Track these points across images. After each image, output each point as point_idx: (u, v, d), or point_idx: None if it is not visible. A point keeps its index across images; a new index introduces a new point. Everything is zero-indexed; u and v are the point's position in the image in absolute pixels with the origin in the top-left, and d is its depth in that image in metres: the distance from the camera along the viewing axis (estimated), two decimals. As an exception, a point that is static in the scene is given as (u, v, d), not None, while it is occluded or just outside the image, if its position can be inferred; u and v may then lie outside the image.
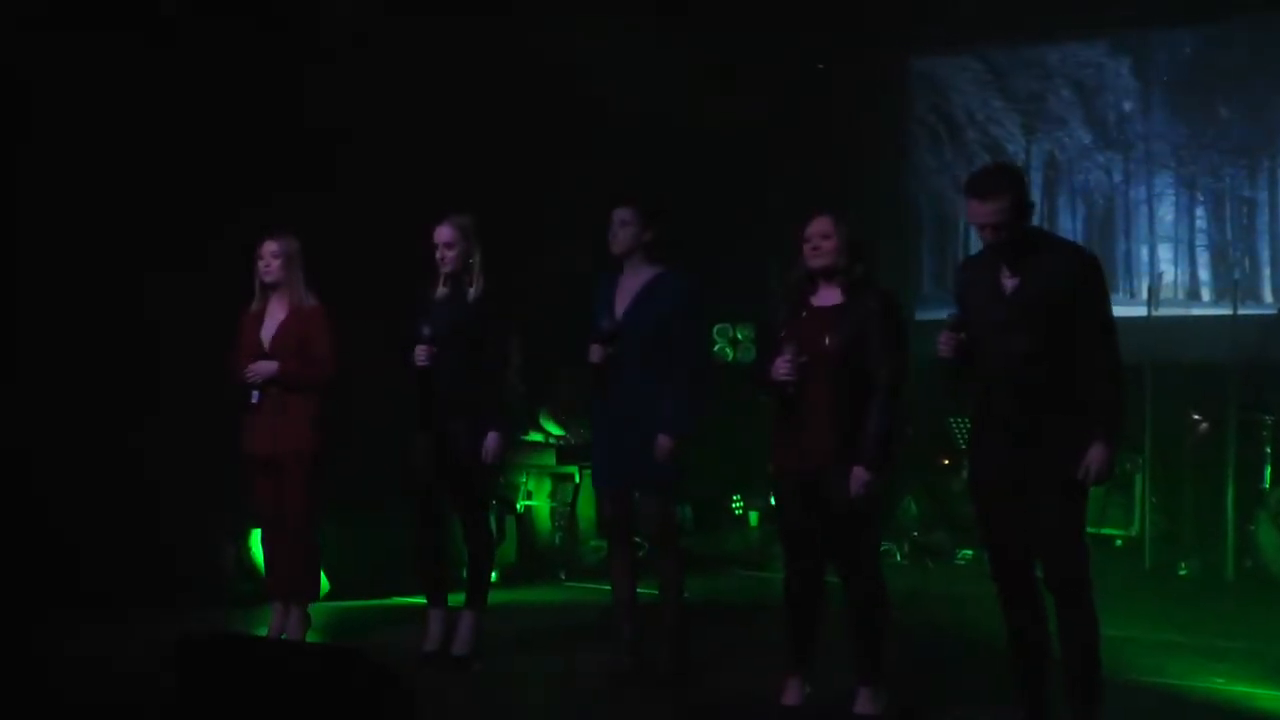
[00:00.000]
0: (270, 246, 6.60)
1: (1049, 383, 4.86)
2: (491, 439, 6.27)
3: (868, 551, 5.37)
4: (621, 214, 6.04)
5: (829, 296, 5.34)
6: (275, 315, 6.62)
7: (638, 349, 5.91)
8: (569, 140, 9.93)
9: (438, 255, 6.35)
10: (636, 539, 6.25)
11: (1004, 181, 4.91)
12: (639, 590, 6.17)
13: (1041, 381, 4.86)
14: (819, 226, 5.32)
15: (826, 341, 5.22)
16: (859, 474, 5.14)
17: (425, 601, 6.53)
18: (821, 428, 5.22)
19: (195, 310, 7.55)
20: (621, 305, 6.01)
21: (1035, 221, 5.07)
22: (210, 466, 7.25)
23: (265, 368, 6.52)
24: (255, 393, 6.55)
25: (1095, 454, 4.80)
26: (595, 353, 5.96)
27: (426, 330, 6.27)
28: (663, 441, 5.84)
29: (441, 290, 6.41)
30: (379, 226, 8.33)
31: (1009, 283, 4.94)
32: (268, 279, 6.61)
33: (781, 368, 5.23)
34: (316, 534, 6.71)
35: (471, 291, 6.33)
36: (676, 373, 5.89)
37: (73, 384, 7.43)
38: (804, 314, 5.35)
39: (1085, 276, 4.92)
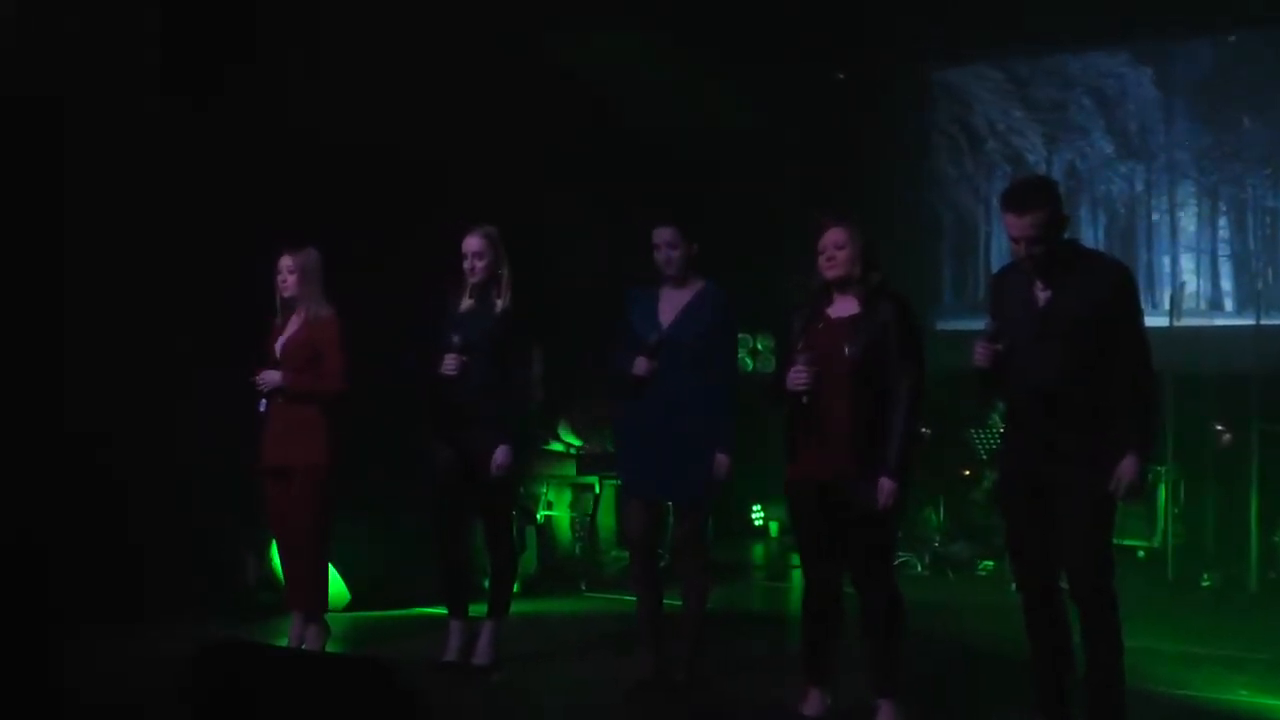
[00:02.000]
0: (286, 261, 6.61)
1: (1080, 395, 4.83)
2: (501, 452, 6.25)
3: (885, 560, 5.35)
4: (667, 236, 5.96)
5: (845, 306, 5.32)
6: (290, 327, 6.64)
7: (682, 359, 5.88)
8: (586, 150, 9.93)
9: (466, 265, 6.33)
10: (659, 550, 6.22)
11: (1041, 195, 4.89)
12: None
13: (1073, 393, 4.83)
14: (833, 237, 5.29)
15: (845, 351, 5.19)
16: (885, 485, 5.11)
17: (445, 612, 6.51)
18: (841, 438, 5.19)
19: (216, 320, 7.55)
20: (667, 318, 5.98)
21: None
22: (231, 477, 7.24)
23: (271, 377, 6.54)
24: (263, 401, 6.56)
25: (1127, 467, 4.77)
26: (641, 364, 5.92)
27: (457, 339, 6.26)
28: (723, 460, 5.84)
29: (467, 301, 6.39)
30: (394, 236, 8.32)
31: (1042, 295, 4.91)
32: (285, 293, 6.62)
33: (796, 377, 5.21)
34: (326, 546, 6.69)
35: (499, 303, 6.33)
36: (723, 388, 5.89)
37: (94, 392, 7.42)
38: (820, 324, 5.32)
39: (1119, 290, 4.89)
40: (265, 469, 6.58)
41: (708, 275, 6.06)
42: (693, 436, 5.84)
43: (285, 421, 6.52)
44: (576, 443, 9.47)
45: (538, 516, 9.22)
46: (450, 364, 6.26)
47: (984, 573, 9.55)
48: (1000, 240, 11.02)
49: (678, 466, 5.86)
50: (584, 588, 8.97)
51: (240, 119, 8.00)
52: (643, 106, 9.84)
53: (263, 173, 7.93)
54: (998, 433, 9.14)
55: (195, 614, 7.22)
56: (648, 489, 6.02)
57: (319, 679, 3.57)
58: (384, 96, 8.47)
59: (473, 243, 6.34)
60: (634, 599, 6.18)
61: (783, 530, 11.40)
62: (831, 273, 5.29)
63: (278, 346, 6.60)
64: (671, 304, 6.00)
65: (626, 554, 7.60)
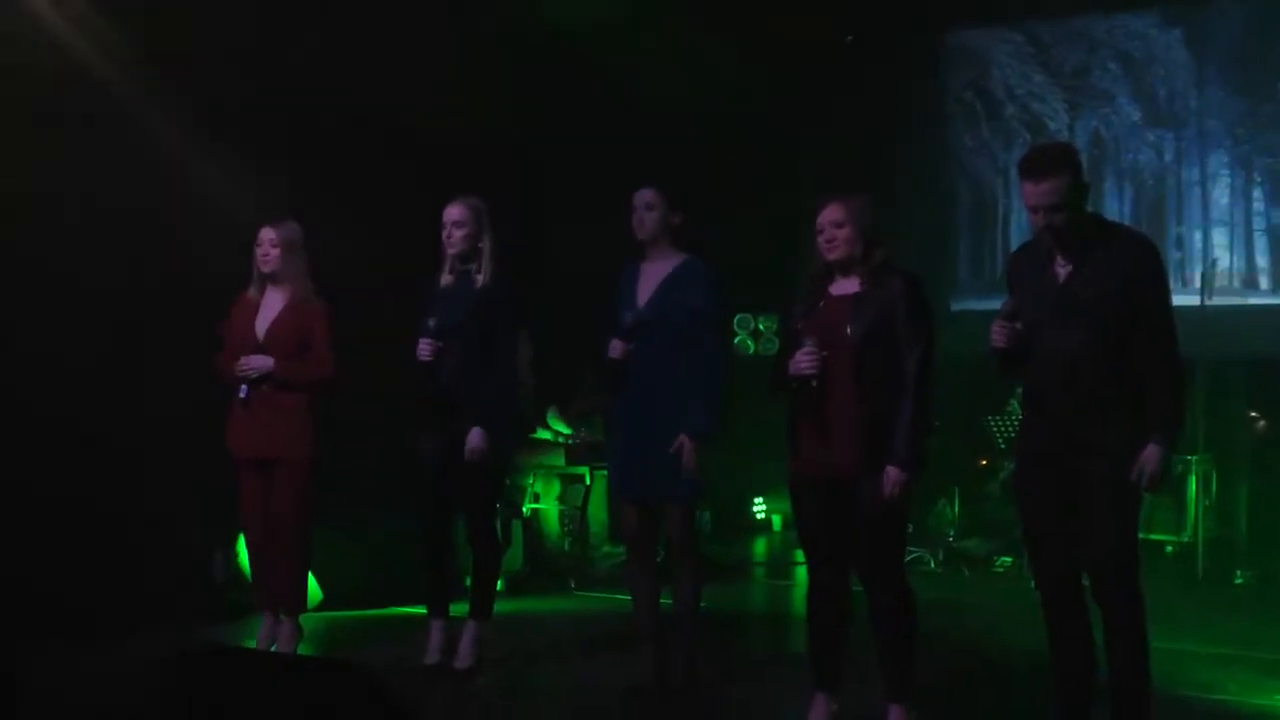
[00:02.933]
0: (269, 234, 6.56)
1: (1103, 379, 4.83)
2: (474, 435, 6.20)
3: (893, 556, 5.31)
4: (646, 197, 5.95)
5: (848, 286, 5.28)
6: (272, 307, 6.58)
7: (662, 342, 5.85)
8: (583, 122, 9.92)
9: (445, 235, 6.31)
10: (657, 547, 6.21)
11: (1060, 161, 4.90)
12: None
13: (1095, 378, 4.83)
14: (830, 214, 5.25)
15: (847, 331, 5.16)
16: (892, 474, 5.08)
17: (425, 611, 6.52)
18: (846, 426, 5.16)
19: (176, 304, 7.54)
20: (644, 295, 5.95)
21: (1079, 204, 5.05)
22: (194, 468, 7.24)
23: (260, 362, 6.49)
24: (244, 387, 6.50)
25: (1149, 455, 4.77)
26: (615, 348, 5.89)
27: (431, 322, 6.24)
28: (686, 443, 5.76)
29: (447, 278, 6.37)
30: (375, 216, 8.30)
31: (1062, 271, 4.92)
32: (266, 268, 6.57)
33: (803, 361, 5.17)
34: (309, 541, 6.70)
35: (479, 279, 6.30)
36: (702, 370, 5.84)
37: (48, 384, 7.40)
38: (821, 304, 5.31)
39: (1144, 266, 4.89)
40: (245, 460, 6.56)
41: (704, 251, 6.03)
42: (673, 426, 5.78)
43: (272, 410, 6.48)
44: (566, 431, 9.47)
45: (524, 509, 9.23)
46: (424, 349, 6.24)
47: (1001, 569, 9.57)
48: (1020, 215, 11.02)
49: (660, 460, 5.80)
50: (574, 586, 8.98)
51: (228, 99, 8.00)
52: (642, 74, 9.84)
53: (252, 152, 7.92)
54: (1016, 419, 9.17)
55: (160, 616, 7.20)
56: (631, 487, 6.01)
57: (293, 683, 3.58)
58: (381, 77, 8.45)
59: (452, 211, 6.31)
60: (628, 598, 6.19)
61: (786, 524, 11.43)
62: (832, 254, 5.25)
63: (260, 329, 6.56)
64: (650, 280, 5.97)
65: (619, 549, 7.61)
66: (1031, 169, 4.88)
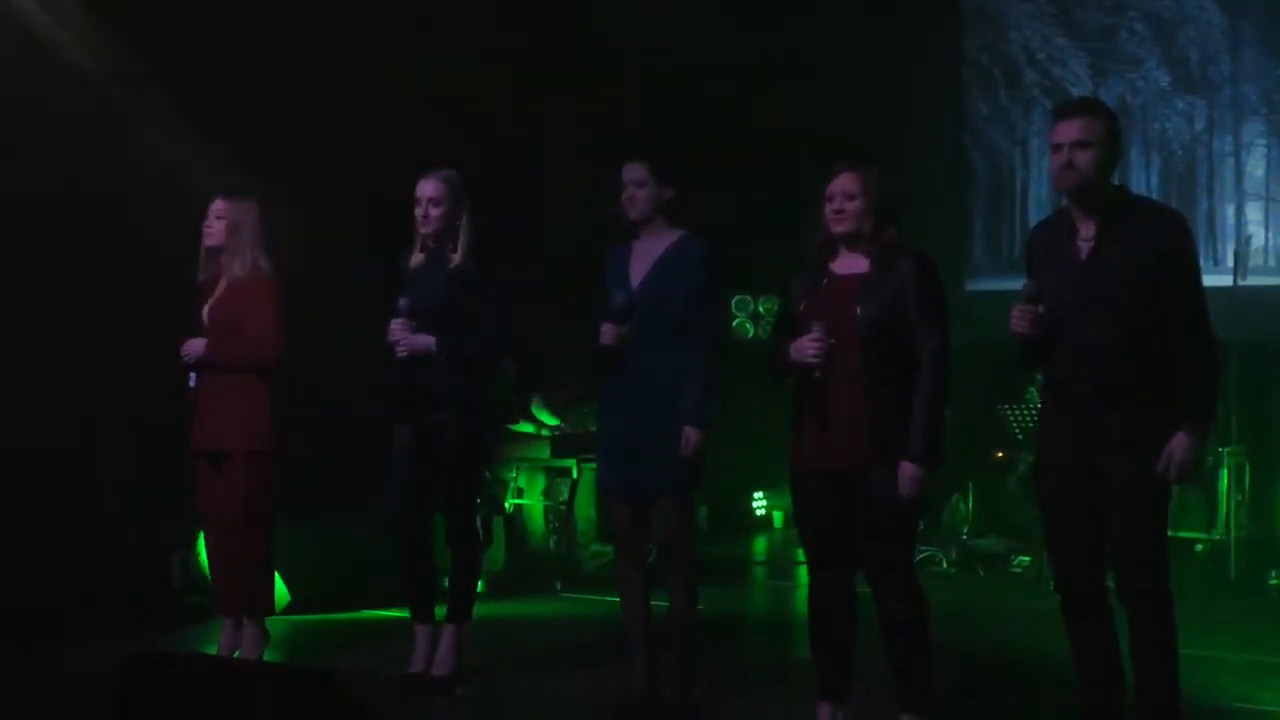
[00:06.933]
0: (218, 207, 6.55)
1: (1131, 368, 4.84)
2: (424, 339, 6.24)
3: (904, 556, 5.31)
4: (635, 173, 5.94)
5: (854, 264, 5.28)
6: (219, 289, 6.61)
7: (657, 326, 5.84)
8: (572, 90, 9.90)
9: (420, 213, 6.28)
10: (648, 545, 6.21)
11: (1099, 107, 5.01)
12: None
13: (1122, 366, 4.84)
14: (843, 184, 5.24)
15: (856, 313, 5.16)
16: (909, 469, 5.07)
17: (410, 615, 6.49)
18: (852, 416, 5.15)
19: (130, 291, 7.53)
20: (638, 276, 5.95)
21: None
22: (153, 463, 7.23)
23: (194, 347, 6.50)
24: (192, 376, 6.53)
25: (1178, 445, 4.78)
26: (607, 332, 5.88)
27: (403, 303, 6.23)
28: (690, 434, 5.77)
29: (418, 257, 6.36)
30: (346, 189, 8.29)
31: (1085, 246, 4.92)
32: (210, 242, 6.57)
33: (809, 348, 5.16)
34: (268, 539, 6.69)
35: (455, 259, 6.30)
36: (698, 355, 5.85)
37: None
38: (825, 282, 5.30)
39: (1174, 242, 4.90)
40: (199, 453, 6.56)
41: (700, 228, 6.03)
42: (671, 419, 5.79)
43: (219, 398, 6.49)
44: (552, 421, 9.46)
45: (506, 505, 9.23)
46: (396, 331, 6.27)
47: (1019, 570, 9.58)
48: (1039, 188, 11.06)
49: (653, 455, 5.81)
50: (559, 587, 8.98)
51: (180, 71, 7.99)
52: (635, 39, 9.82)
53: (207, 126, 7.90)
54: (1034, 408, 9.18)
55: (114, 622, 7.21)
56: (621, 481, 6.00)
57: (259, 692, 3.58)
58: (330, 26, 8.43)
59: (427, 187, 6.29)
60: (617, 600, 6.20)
61: (787, 521, 11.44)
62: (840, 226, 5.24)
63: (205, 312, 6.59)
64: (643, 261, 5.97)
65: (608, 548, 7.61)
66: (1066, 108, 5.00)
